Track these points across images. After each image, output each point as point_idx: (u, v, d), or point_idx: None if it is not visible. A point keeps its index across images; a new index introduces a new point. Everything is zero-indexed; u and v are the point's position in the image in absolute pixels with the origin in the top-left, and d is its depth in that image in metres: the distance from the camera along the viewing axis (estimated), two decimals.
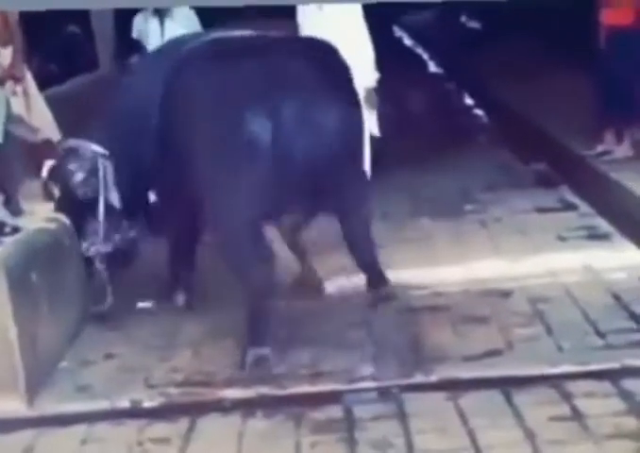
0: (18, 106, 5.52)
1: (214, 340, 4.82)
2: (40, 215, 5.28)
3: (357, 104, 4.80)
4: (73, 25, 12.85)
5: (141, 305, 5.31)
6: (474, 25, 17.71)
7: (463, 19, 21.26)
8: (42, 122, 5.69)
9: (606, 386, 3.94)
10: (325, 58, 4.73)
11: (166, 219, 5.23)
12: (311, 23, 6.05)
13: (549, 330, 4.55)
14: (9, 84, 5.48)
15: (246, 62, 4.55)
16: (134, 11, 13.25)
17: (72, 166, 5.09)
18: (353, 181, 4.75)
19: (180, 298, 5.28)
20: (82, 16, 10.90)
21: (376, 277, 4.97)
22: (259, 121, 4.36)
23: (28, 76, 5.82)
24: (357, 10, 6.16)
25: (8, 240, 4.68)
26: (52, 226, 5.00)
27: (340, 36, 5.20)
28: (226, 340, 4.79)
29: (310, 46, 4.88)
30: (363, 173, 5.11)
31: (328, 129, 4.52)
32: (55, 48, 6.03)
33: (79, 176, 5.07)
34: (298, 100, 4.47)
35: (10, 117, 5.41)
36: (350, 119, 4.69)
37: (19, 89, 5.54)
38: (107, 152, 5.06)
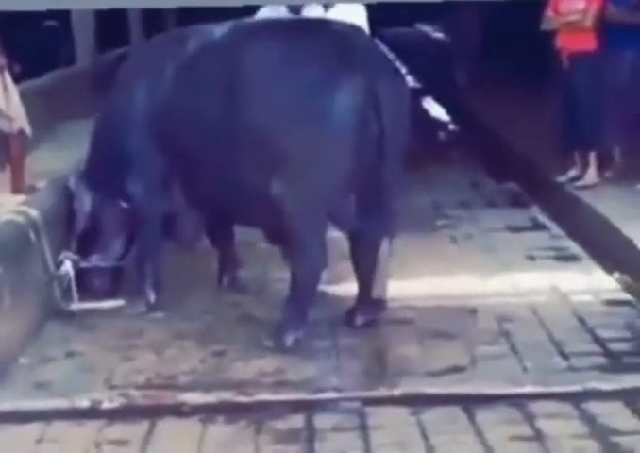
0: None
1: (177, 342, 4.78)
2: (7, 207, 5.23)
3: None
4: (51, 19, 12.78)
5: (109, 304, 5.23)
6: (449, 40, 17.82)
7: (440, 35, 21.42)
8: (17, 113, 5.64)
9: (568, 408, 3.94)
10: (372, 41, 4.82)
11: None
12: None
13: (514, 349, 4.56)
14: None
15: (321, 42, 4.50)
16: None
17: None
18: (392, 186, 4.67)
19: (151, 296, 5.22)
20: (62, 10, 10.85)
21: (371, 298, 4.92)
22: (346, 101, 4.33)
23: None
24: (361, 13, 6.16)
25: None
26: (19, 218, 4.94)
27: None
28: (189, 342, 4.76)
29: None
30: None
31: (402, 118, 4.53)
32: (31, 41, 5.95)
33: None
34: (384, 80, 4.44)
35: None
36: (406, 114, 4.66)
37: None
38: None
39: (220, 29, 4.84)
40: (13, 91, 5.65)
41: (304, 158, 4.40)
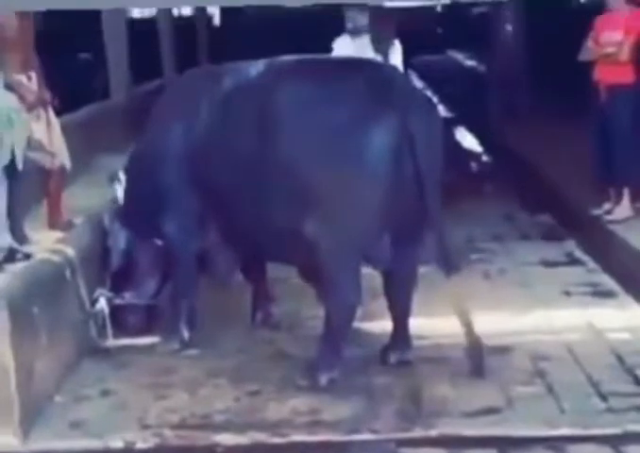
0: (39, 131, 5.52)
1: (211, 380, 4.78)
2: (44, 244, 5.27)
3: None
4: (86, 53, 12.95)
5: (143, 340, 5.25)
6: (482, 68, 17.81)
7: (472, 62, 21.41)
8: (59, 148, 5.69)
9: (607, 451, 3.89)
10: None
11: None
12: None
13: (550, 390, 4.51)
14: (36, 109, 5.49)
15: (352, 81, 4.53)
16: (148, 40, 13.40)
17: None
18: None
19: (185, 333, 5.21)
20: (96, 43, 10.98)
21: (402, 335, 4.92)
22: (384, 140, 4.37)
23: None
24: (397, 46, 6.21)
25: (14, 269, 4.68)
26: (55, 257, 4.98)
27: None
28: (223, 381, 4.76)
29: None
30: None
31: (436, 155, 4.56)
32: (66, 74, 6.00)
33: None
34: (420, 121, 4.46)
35: (30, 142, 5.43)
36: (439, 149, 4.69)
37: (43, 113, 5.55)
38: None
39: (254, 67, 4.88)
40: (56, 125, 5.71)
41: (337, 197, 4.41)
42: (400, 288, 4.81)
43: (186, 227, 5.06)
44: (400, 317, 4.88)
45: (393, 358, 4.87)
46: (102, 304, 5.18)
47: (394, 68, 4.85)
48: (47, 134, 5.59)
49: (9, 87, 5.35)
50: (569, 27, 9.54)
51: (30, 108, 5.44)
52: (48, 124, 5.62)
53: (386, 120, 4.40)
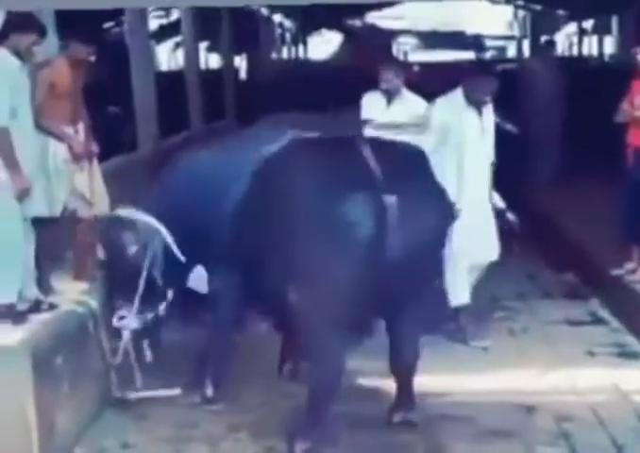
0: (81, 181, 5.59)
1: (232, 435, 4.76)
2: (68, 295, 5.28)
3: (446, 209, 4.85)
4: (114, 106, 13.10)
5: (165, 392, 5.22)
6: (506, 125, 17.81)
7: (497, 119, 21.44)
8: (100, 198, 5.74)
9: None
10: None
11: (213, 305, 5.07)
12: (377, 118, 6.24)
13: (574, 452, 4.46)
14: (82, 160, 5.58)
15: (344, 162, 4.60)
16: (176, 93, 13.58)
17: (127, 236, 5.16)
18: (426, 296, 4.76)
19: (209, 390, 5.13)
20: (125, 95, 11.13)
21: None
22: (364, 218, 4.38)
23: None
24: (423, 110, 6.28)
25: (39, 319, 4.70)
26: (79, 309, 5.01)
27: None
28: (243, 435, 4.75)
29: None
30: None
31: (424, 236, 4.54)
32: (96, 127, 6.08)
33: (132, 249, 5.14)
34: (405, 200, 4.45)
35: (73, 193, 5.49)
36: (443, 227, 4.76)
37: (87, 164, 5.63)
38: (160, 227, 5.09)
39: (279, 144, 4.90)
40: (99, 176, 5.76)
41: (316, 266, 4.43)
42: (402, 353, 4.77)
43: (229, 282, 4.98)
44: (404, 377, 4.84)
45: (397, 417, 4.83)
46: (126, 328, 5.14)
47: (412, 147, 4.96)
48: (89, 184, 5.66)
49: (59, 137, 5.43)
50: (602, 87, 9.59)
51: (77, 159, 5.52)
52: (91, 174, 5.68)
53: (368, 198, 4.43)
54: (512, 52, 29.72)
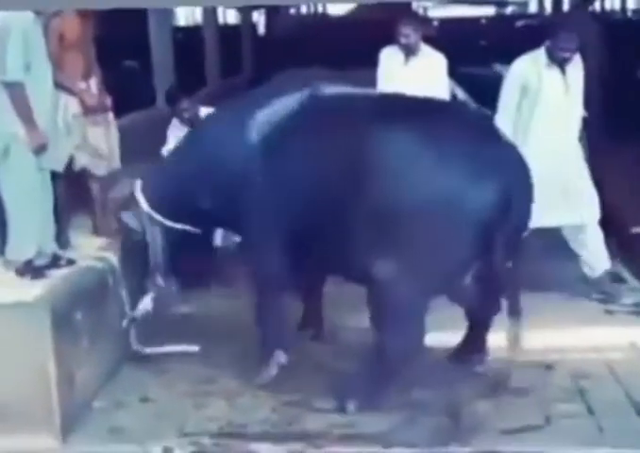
0: (96, 136, 5.55)
1: (250, 391, 4.79)
2: (86, 250, 5.28)
3: None
4: (131, 60, 13.04)
5: (182, 348, 5.23)
6: None
7: None
8: (113, 154, 5.71)
9: None
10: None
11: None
12: (395, 77, 6.16)
13: (590, 409, 4.48)
14: (95, 114, 5.54)
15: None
16: (194, 48, 13.50)
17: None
18: None
19: (282, 357, 4.90)
20: (142, 50, 11.07)
21: None
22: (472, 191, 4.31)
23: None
24: (442, 66, 6.24)
25: (59, 274, 4.72)
26: (99, 265, 5.03)
27: (423, 91, 5.30)
28: (261, 391, 4.77)
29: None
30: None
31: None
32: (113, 82, 6.03)
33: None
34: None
35: (82, 146, 5.46)
36: None
37: (102, 119, 5.59)
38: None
39: (345, 98, 4.76)
40: (114, 131, 5.73)
41: (422, 244, 4.33)
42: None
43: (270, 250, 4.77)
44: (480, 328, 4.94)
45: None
46: (147, 304, 5.14)
47: (488, 117, 5.00)
48: (105, 140, 5.62)
49: (71, 91, 5.39)
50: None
51: (90, 113, 5.49)
52: (106, 129, 5.65)
53: (486, 175, 4.34)
54: (533, 8, 29.30)
